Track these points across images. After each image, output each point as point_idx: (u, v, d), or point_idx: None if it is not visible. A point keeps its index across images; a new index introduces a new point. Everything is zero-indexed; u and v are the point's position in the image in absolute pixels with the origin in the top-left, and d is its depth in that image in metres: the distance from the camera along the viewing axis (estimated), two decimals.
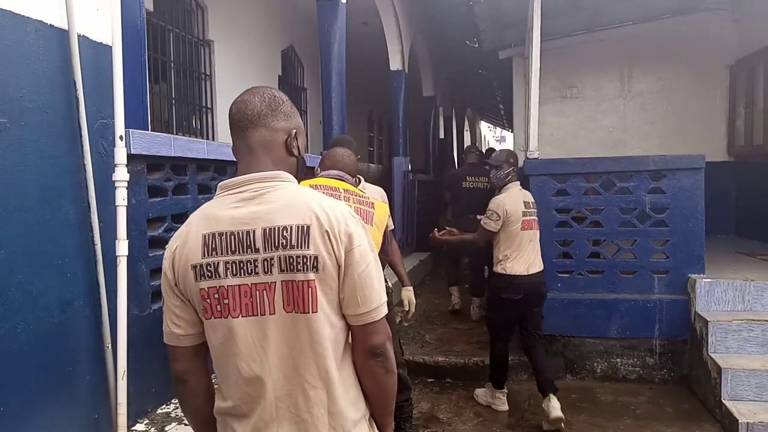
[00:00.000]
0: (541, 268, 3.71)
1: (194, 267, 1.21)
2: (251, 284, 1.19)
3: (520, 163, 4.36)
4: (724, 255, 5.01)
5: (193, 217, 1.28)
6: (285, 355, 1.19)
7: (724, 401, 3.50)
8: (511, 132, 10.82)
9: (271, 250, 1.18)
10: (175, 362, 1.29)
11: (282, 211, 1.19)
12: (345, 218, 1.21)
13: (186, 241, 1.24)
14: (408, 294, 3.27)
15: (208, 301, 1.21)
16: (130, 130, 2.71)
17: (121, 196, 2.62)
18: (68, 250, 2.47)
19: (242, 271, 1.19)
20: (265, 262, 1.18)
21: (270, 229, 1.18)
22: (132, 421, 2.84)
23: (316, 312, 1.18)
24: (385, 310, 1.26)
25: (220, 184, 1.29)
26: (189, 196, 3.34)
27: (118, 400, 2.61)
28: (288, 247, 1.17)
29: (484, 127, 29.02)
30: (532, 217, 3.71)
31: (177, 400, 1.54)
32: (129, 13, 2.71)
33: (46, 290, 2.36)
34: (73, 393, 2.53)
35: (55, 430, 2.44)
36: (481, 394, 4.02)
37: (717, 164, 5.99)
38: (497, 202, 3.71)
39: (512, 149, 5.81)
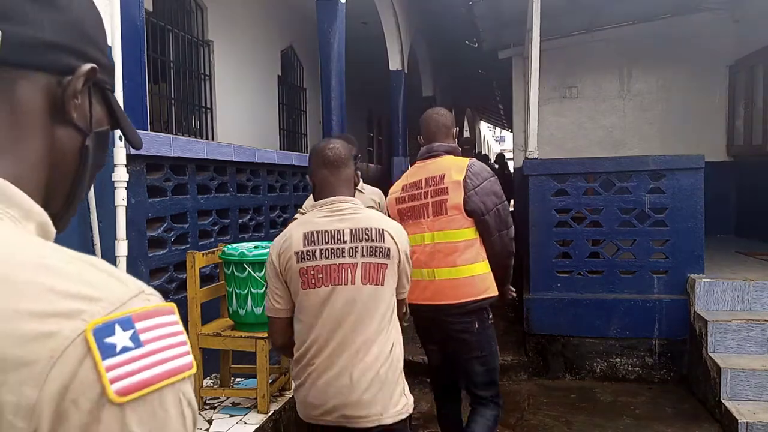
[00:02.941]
0: None
1: (297, 253, 1.81)
2: (339, 264, 1.80)
3: (520, 164, 4.40)
4: (723, 255, 5.01)
5: (293, 225, 1.90)
6: (358, 312, 1.80)
7: (723, 401, 3.50)
8: (511, 132, 10.82)
9: (357, 241, 1.82)
10: (272, 326, 1.94)
11: (363, 220, 1.85)
12: (401, 229, 1.94)
13: (290, 238, 1.83)
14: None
15: (306, 276, 1.80)
16: None
17: (121, 196, 2.62)
18: None
19: (332, 255, 1.80)
20: (351, 250, 1.81)
21: (356, 228, 1.83)
22: None
23: (384, 286, 1.84)
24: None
25: (312, 204, 1.94)
26: (188, 196, 3.35)
27: None
28: (370, 240, 1.83)
29: (484, 127, 29.03)
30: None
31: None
32: (128, 13, 2.71)
33: None
34: None
35: None
36: None
37: (716, 164, 5.99)
38: None
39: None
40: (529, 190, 4.52)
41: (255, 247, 2.85)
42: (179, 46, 5.67)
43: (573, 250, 4.45)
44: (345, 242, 1.81)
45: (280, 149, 7.58)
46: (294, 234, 1.84)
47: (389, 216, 2.46)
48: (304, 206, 3.28)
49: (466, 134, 20.93)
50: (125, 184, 2.64)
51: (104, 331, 0.40)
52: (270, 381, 2.91)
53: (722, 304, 4.01)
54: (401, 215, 2.57)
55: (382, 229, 1.84)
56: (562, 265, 4.48)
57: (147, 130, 2.94)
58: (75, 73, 0.54)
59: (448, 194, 2.45)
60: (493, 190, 2.49)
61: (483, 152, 22.03)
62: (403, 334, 2.07)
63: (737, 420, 3.28)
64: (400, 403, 1.85)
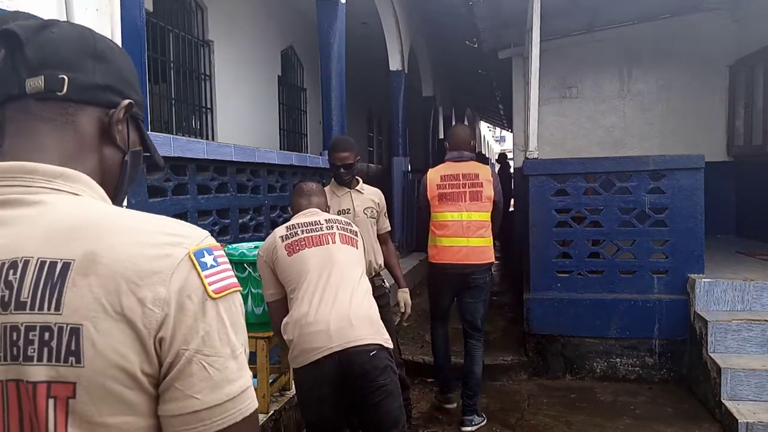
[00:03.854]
0: None
1: (281, 236, 2.27)
2: (319, 234, 2.28)
3: (519, 163, 4.46)
4: (723, 255, 5.01)
5: (277, 228, 2.35)
6: (341, 264, 2.22)
7: (723, 401, 3.50)
8: (511, 132, 10.82)
9: (332, 222, 2.35)
10: (271, 310, 2.34)
11: (334, 216, 2.48)
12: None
13: (274, 234, 2.31)
14: (404, 296, 3.29)
15: (291, 247, 2.23)
16: None
17: None
18: None
19: (312, 230, 2.28)
20: (328, 226, 2.32)
21: (330, 218, 2.40)
22: None
23: (358, 249, 2.36)
24: None
25: (294, 216, 2.47)
26: (189, 196, 3.34)
27: None
28: (343, 224, 2.39)
29: (484, 127, 29.01)
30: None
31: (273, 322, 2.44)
32: (129, 14, 2.71)
33: None
34: None
35: None
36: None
37: (716, 164, 5.99)
38: None
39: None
40: (529, 190, 4.52)
41: (255, 247, 2.85)
42: (179, 47, 5.67)
43: (573, 250, 4.45)
44: (322, 224, 2.32)
45: (281, 149, 7.58)
46: (277, 230, 2.34)
47: (425, 195, 3.59)
48: None
49: None
50: None
51: (199, 254, 0.65)
52: (270, 381, 2.91)
53: (722, 304, 4.01)
54: (440, 197, 3.54)
55: (350, 221, 2.49)
56: (562, 265, 4.47)
57: (147, 130, 2.94)
58: (117, 106, 0.75)
59: (482, 188, 3.49)
60: (500, 189, 3.63)
61: (481, 152, 22.12)
62: (403, 335, 2.16)
63: (737, 420, 3.28)
64: (387, 335, 2.21)
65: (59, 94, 0.70)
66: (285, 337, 2.18)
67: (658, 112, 6.84)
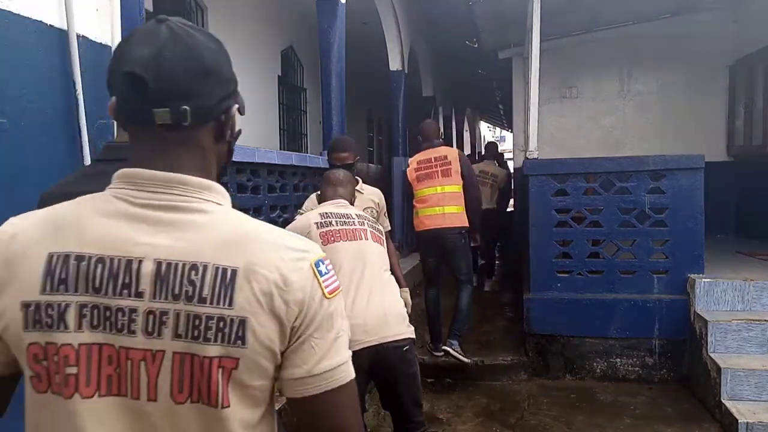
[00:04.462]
0: None
1: (316, 223, 2.35)
2: (353, 228, 2.39)
3: (519, 164, 4.54)
4: (723, 255, 5.01)
5: (309, 213, 2.50)
6: (372, 261, 2.36)
7: (723, 401, 3.50)
8: (511, 132, 10.82)
9: (362, 219, 2.48)
10: None
11: (361, 212, 2.63)
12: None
13: (307, 218, 2.42)
14: (404, 295, 3.28)
15: (326, 236, 2.32)
16: None
17: None
18: None
19: (345, 222, 2.39)
20: (359, 222, 2.44)
21: (359, 213, 2.51)
22: None
23: (384, 247, 2.50)
24: None
25: (314, 203, 2.75)
26: None
27: None
28: (371, 221, 2.54)
29: (484, 127, 29.01)
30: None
31: None
32: (129, 14, 2.71)
33: None
34: None
35: None
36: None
37: (716, 164, 5.98)
38: None
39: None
40: (529, 190, 4.52)
41: None
42: None
43: (573, 250, 4.45)
44: (354, 218, 2.41)
45: (281, 149, 7.58)
46: (310, 214, 2.41)
47: (406, 179, 4.42)
48: (304, 207, 3.28)
49: (466, 134, 21.11)
50: None
51: (317, 264, 0.85)
52: None
53: (722, 304, 4.01)
54: (418, 177, 4.33)
55: (375, 219, 2.71)
56: (562, 265, 4.47)
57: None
58: (228, 112, 0.87)
59: (451, 165, 4.23)
60: (470, 165, 4.45)
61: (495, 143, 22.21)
62: None
63: (737, 420, 3.28)
64: (413, 327, 2.40)
65: (185, 124, 0.80)
66: None
67: (658, 112, 6.84)
